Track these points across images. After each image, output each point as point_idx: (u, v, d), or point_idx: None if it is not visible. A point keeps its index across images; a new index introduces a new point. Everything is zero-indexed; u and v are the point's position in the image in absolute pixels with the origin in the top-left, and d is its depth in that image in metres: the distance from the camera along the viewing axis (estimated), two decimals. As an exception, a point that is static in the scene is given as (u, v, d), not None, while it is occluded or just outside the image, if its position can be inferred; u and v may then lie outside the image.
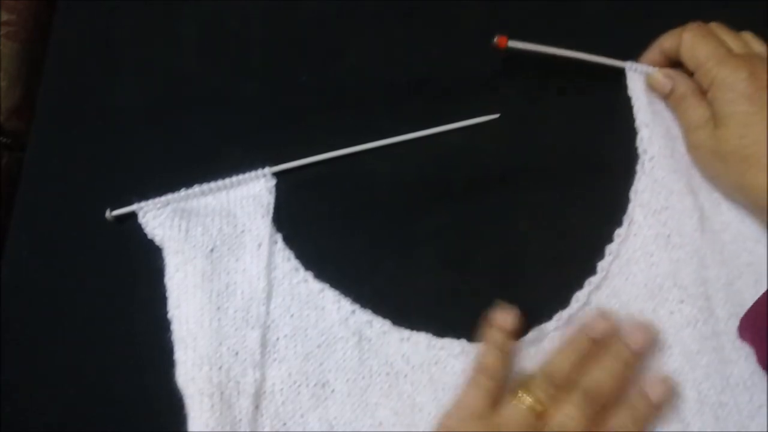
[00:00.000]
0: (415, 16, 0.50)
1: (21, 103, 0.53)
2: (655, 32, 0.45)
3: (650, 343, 0.39)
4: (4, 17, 0.52)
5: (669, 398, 0.37)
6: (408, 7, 0.50)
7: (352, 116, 0.47)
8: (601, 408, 0.36)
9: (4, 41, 0.52)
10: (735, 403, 0.38)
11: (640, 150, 0.44)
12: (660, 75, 0.44)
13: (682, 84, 0.43)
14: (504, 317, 0.39)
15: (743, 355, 0.39)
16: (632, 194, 0.43)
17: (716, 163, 0.41)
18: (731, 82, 0.40)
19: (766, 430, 0.38)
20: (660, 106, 0.45)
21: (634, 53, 0.46)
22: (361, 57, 0.49)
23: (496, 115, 0.46)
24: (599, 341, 0.38)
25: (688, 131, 0.43)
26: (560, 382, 0.36)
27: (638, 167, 0.44)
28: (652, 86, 0.44)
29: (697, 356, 0.39)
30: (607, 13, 0.50)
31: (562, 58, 0.45)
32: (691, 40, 0.42)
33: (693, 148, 0.43)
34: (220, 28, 0.50)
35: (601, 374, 0.37)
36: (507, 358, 0.38)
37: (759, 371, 0.39)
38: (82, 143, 0.46)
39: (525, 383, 0.36)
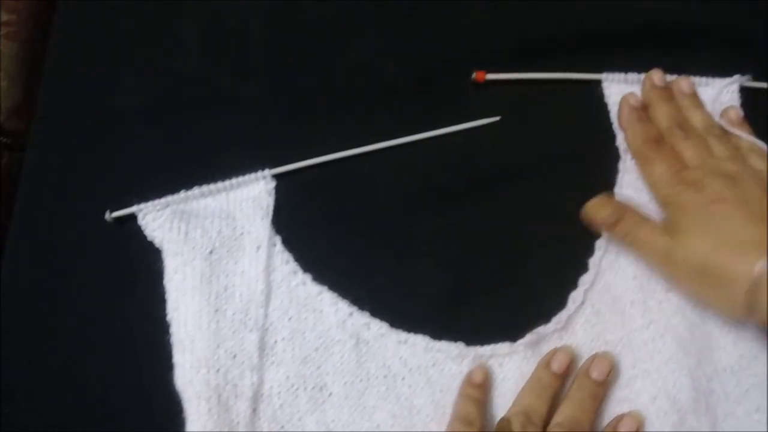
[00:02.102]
0: (415, 16, 0.50)
1: (21, 103, 0.53)
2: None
3: (614, 374, 0.39)
4: (4, 17, 0.52)
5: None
6: (408, 7, 0.50)
7: (352, 116, 0.47)
8: None
9: (4, 41, 0.52)
10: (723, 389, 0.39)
11: (621, 150, 0.45)
12: (608, 210, 0.42)
13: (630, 219, 0.41)
14: (477, 373, 0.39)
15: (730, 341, 0.40)
16: (617, 189, 0.44)
17: (670, 271, 0.40)
18: (679, 203, 0.40)
19: (752, 414, 0.38)
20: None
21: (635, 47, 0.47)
22: (361, 57, 0.49)
23: (497, 118, 0.46)
24: (562, 375, 0.39)
25: (639, 244, 0.41)
26: (538, 421, 0.37)
27: (620, 165, 0.45)
28: (592, 220, 0.42)
29: (689, 343, 0.40)
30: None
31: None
32: (644, 158, 0.43)
33: (646, 256, 0.41)
34: (220, 28, 0.50)
35: (574, 410, 0.37)
36: (483, 407, 0.38)
37: (745, 356, 0.39)
38: (82, 143, 0.46)
39: (505, 425, 0.37)
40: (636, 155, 0.44)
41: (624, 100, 0.45)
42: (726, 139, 0.43)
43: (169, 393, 0.38)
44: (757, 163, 0.42)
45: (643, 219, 0.41)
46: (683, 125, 0.43)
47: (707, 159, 0.41)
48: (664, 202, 0.41)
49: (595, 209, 0.42)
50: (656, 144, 0.43)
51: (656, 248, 0.39)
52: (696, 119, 0.44)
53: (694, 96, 0.45)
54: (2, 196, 0.50)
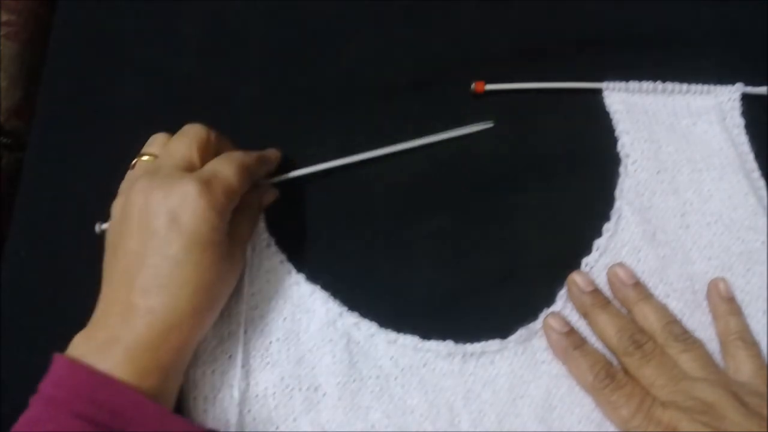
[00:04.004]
0: (415, 16, 0.50)
1: (21, 103, 0.53)
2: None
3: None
4: (4, 17, 0.52)
5: None
6: (408, 7, 0.50)
7: (352, 117, 0.47)
8: None
9: (4, 41, 0.52)
10: None
11: (622, 154, 0.45)
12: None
13: None
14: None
15: None
16: (617, 193, 0.44)
17: None
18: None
19: None
20: (641, 116, 0.46)
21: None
22: (361, 58, 0.49)
23: (490, 124, 0.46)
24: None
25: None
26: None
27: (621, 169, 0.45)
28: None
29: None
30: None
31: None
32: (605, 402, 0.37)
33: None
34: (220, 28, 0.50)
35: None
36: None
37: None
38: (82, 143, 0.46)
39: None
40: (592, 395, 0.38)
41: (547, 325, 0.40)
42: (691, 341, 0.38)
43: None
44: (736, 362, 0.38)
45: None
46: (636, 338, 0.38)
47: (678, 383, 0.36)
48: None
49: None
50: (610, 378, 0.37)
51: None
52: (650, 319, 0.39)
53: (639, 286, 0.40)
54: (2, 196, 0.50)
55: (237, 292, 0.40)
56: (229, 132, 0.47)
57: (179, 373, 0.35)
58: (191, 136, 0.38)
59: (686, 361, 0.37)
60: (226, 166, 0.37)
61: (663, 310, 0.40)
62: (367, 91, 0.47)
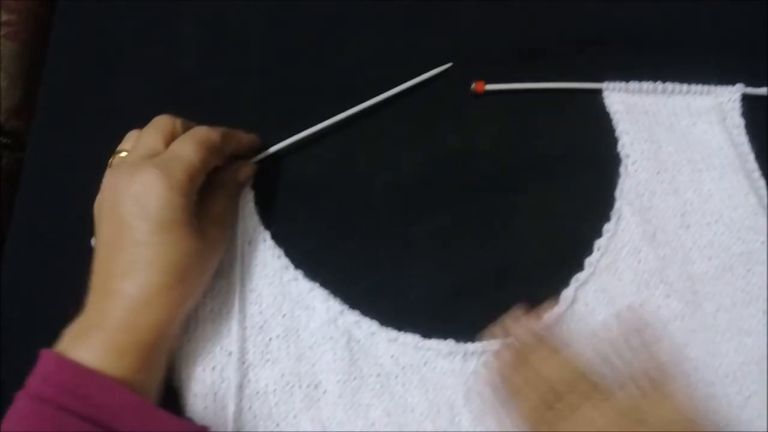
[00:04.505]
0: (415, 16, 0.50)
1: (21, 103, 0.53)
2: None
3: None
4: (4, 17, 0.52)
5: None
6: (408, 7, 0.50)
7: (351, 116, 0.47)
8: None
9: (4, 41, 0.52)
10: (725, 394, 0.39)
11: (622, 154, 0.45)
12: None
13: None
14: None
15: (732, 347, 0.40)
16: (618, 194, 0.44)
17: None
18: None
19: (754, 420, 0.38)
20: (641, 116, 0.46)
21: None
22: (361, 57, 0.49)
23: (449, 65, 0.47)
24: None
25: None
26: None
27: (621, 169, 0.45)
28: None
29: (685, 349, 0.40)
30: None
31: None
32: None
33: None
34: (220, 28, 0.50)
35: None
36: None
37: (748, 363, 0.40)
38: (82, 143, 0.46)
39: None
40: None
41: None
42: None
43: (166, 391, 0.38)
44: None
45: None
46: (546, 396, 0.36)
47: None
48: None
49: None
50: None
51: None
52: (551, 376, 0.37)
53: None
54: (2, 196, 0.50)
55: (233, 288, 0.40)
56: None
57: (160, 353, 0.36)
58: (157, 127, 0.39)
59: None
60: (186, 146, 0.37)
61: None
62: (367, 91, 0.47)
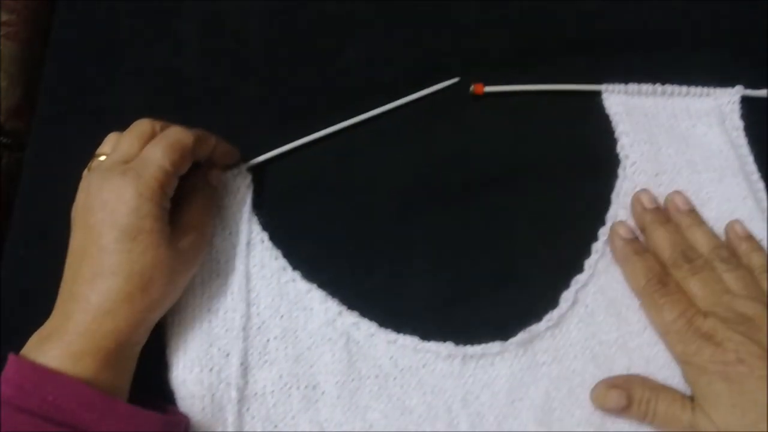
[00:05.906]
0: (414, 16, 0.50)
1: (21, 103, 0.53)
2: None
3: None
4: (4, 17, 0.52)
5: None
6: (408, 7, 0.50)
7: (352, 116, 0.47)
8: None
9: (4, 41, 0.52)
10: None
11: (621, 156, 0.45)
12: (614, 394, 0.38)
13: (640, 397, 0.38)
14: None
15: None
16: (613, 197, 0.44)
17: None
18: (699, 365, 0.37)
19: None
20: (640, 118, 0.46)
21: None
22: (360, 57, 0.49)
23: (456, 79, 0.47)
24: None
25: (661, 422, 0.38)
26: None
27: (620, 171, 0.45)
28: (602, 406, 0.39)
29: None
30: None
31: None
32: (651, 303, 0.40)
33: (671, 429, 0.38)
34: (220, 28, 0.50)
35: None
36: None
37: None
38: (82, 143, 0.46)
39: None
40: (641, 297, 0.41)
41: (614, 232, 0.42)
42: (735, 263, 0.40)
43: (164, 392, 0.38)
44: None
45: (654, 391, 0.38)
46: (687, 253, 0.40)
47: (721, 297, 0.38)
48: (681, 359, 0.39)
49: (600, 400, 0.39)
50: (661, 284, 0.40)
51: (680, 424, 0.37)
52: (700, 242, 0.41)
53: (693, 213, 0.43)
54: (2, 196, 0.50)
55: (230, 289, 0.40)
56: (228, 132, 0.47)
57: (123, 357, 0.36)
58: (135, 130, 0.39)
59: (730, 279, 0.39)
60: (157, 149, 0.37)
61: (713, 235, 0.42)
62: (367, 91, 0.47)
